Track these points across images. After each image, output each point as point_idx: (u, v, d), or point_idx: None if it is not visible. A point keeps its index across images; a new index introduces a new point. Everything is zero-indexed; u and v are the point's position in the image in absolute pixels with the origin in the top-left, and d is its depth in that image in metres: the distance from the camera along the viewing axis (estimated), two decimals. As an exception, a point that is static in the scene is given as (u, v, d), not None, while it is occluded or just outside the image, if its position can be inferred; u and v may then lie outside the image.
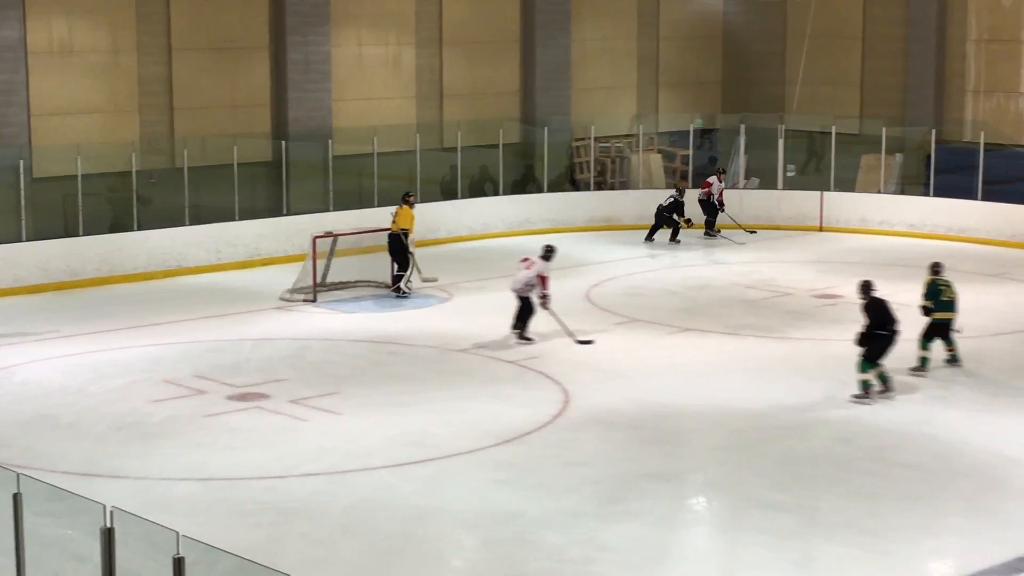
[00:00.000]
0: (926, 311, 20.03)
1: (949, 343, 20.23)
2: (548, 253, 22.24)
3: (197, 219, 28.11)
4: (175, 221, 27.80)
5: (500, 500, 15.03)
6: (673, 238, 30.61)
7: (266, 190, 30.45)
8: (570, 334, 21.81)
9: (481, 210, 31.66)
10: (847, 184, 33.89)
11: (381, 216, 27.87)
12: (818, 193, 32.82)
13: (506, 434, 17.26)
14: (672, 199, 30.49)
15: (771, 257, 27.95)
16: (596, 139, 34.46)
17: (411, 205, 25.55)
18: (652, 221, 30.99)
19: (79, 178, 26.65)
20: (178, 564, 9.31)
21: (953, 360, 20.26)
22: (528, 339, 21.83)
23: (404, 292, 25.00)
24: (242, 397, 18.83)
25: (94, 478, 15.57)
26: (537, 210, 32.41)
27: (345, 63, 32.82)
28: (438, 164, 32.57)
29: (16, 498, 10.73)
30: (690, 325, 23.03)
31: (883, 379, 18.70)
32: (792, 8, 39.11)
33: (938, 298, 20.01)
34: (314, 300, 24.76)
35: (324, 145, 30.26)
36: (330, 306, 24.37)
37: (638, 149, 35.06)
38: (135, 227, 27.35)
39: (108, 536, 9.97)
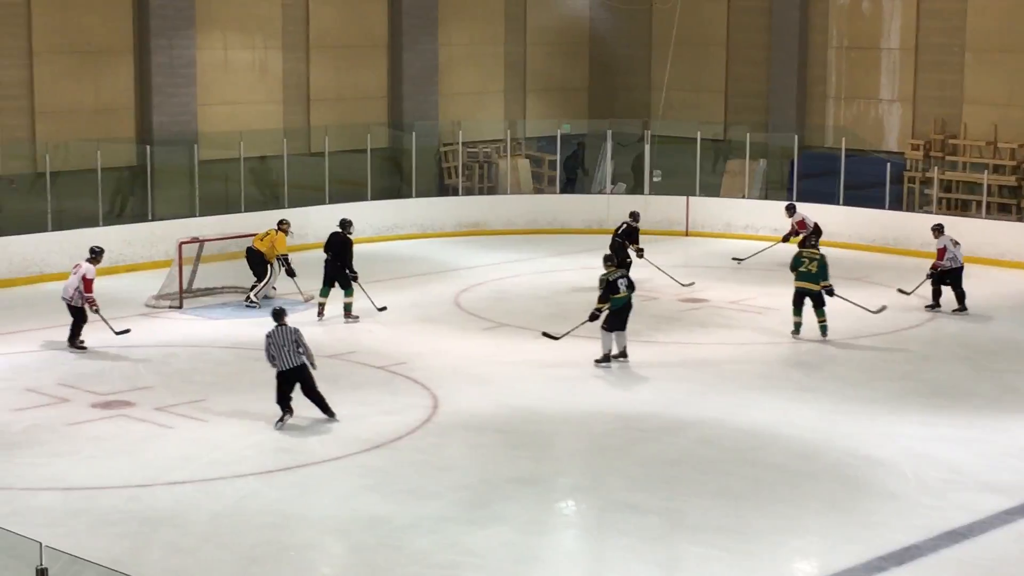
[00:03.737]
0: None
1: (819, 314, 22.38)
2: (95, 256, 22.14)
3: (60, 225, 27.70)
4: (37, 227, 27.37)
5: (367, 506, 15.04)
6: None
7: (131, 195, 30.13)
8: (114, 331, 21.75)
9: (350, 215, 31.50)
10: (712, 189, 34.35)
11: (248, 222, 27.73)
12: (684, 198, 33.22)
13: (374, 440, 17.26)
14: (625, 225, 27.22)
15: (638, 261, 28.13)
16: (464, 144, 34.55)
17: (286, 232, 25.29)
18: (516, 226, 31.02)
19: (-64, 182, 26.20)
20: (42, 575, 9.22)
21: (823, 330, 22.31)
22: (83, 347, 21.63)
23: (254, 303, 24.72)
24: (106, 405, 18.62)
25: (-47, 489, 15.30)
26: (406, 215, 32.42)
27: (211, 67, 32.56)
28: (305, 168, 32.43)
29: None
30: (557, 330, 23.19)
31: None
32: (658, 15, 39.57)
33: (798, 268, 22.50)
34: (180, 306, 24.54)
35: (190, 150, 30.00)
36: (196, 312, 24.18)
37: (506, 154, 35.21)
38: (-5, 232, 26.93)
39: (-32, 548, 9.85)
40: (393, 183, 34.06)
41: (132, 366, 20.79)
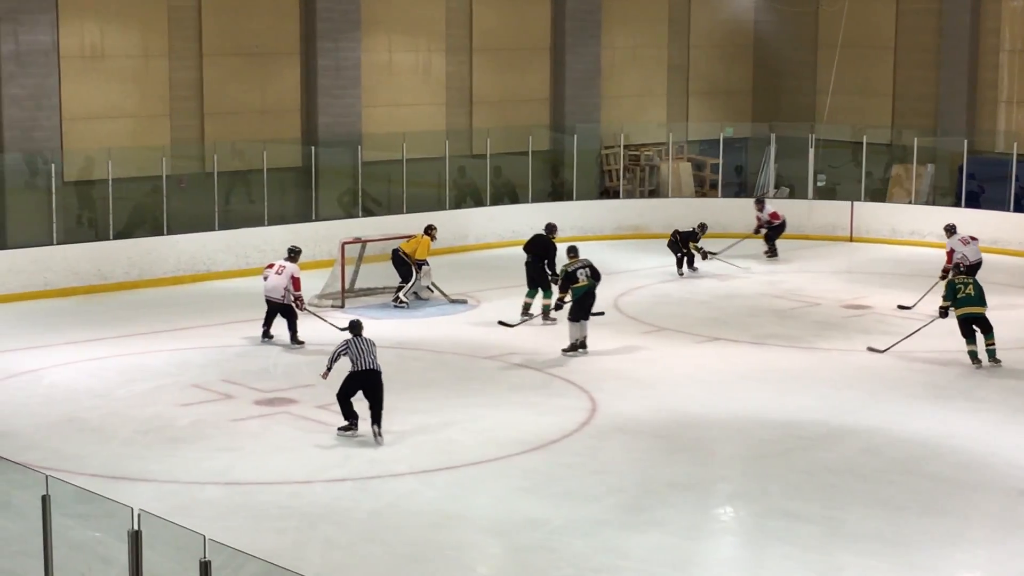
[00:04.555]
0: (944, 311, 21.20)
1: (989, 337, 20.95)
2: (294, 255, 22.38)
3: (226, 224, 28.21)
4: (204, 226, 27.92)
5: (524, 508, 15.03)
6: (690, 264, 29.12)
7: (295, 195, 30.58)
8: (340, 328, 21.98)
9: (510, 217, 31.67)
10: (878, 194, 33.79)
11: (409, 222, 27.98)
12: (848, 203, 32.74)
13: (531, 442, 17.27)
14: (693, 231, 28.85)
15: (800, 267, 27.88)
16: (625, 147, 34.46)
17: (433, 238, 25.46)
18: (680, 228, 30.83)
19: (109, 182, 26.79)
20: (205, 568, 9.36)
21: (991, 355, 20.92)
22: (302, 343, 21.94)
23: (403, 303, 24.92)
24: (269, 402, 18.89)
25: (121, 481, 15.64)
26: (566, 218, 32.36)
27: (375, 69, 32.88)
28: (467, 170, 32.63)
29: (44, 500, 10.80)
30: (717, 334, 22.99)
31: None
32: (824, 17, 39.01)
33: (955, 296, 20.93)
34: (342, 306, 24.81)
35: (353, 151, 30.34)
36: (358, 312, 24.40)
37: (667, 157, 35.03)
38: (164, 231, 27.46)
39: (135, 539, 10.02)
40: (553, 185, 34.08)
41: (295, 364, 21.07)
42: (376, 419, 17.18)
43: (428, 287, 25.51)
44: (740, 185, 35.75)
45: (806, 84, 39.30)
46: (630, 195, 34.50)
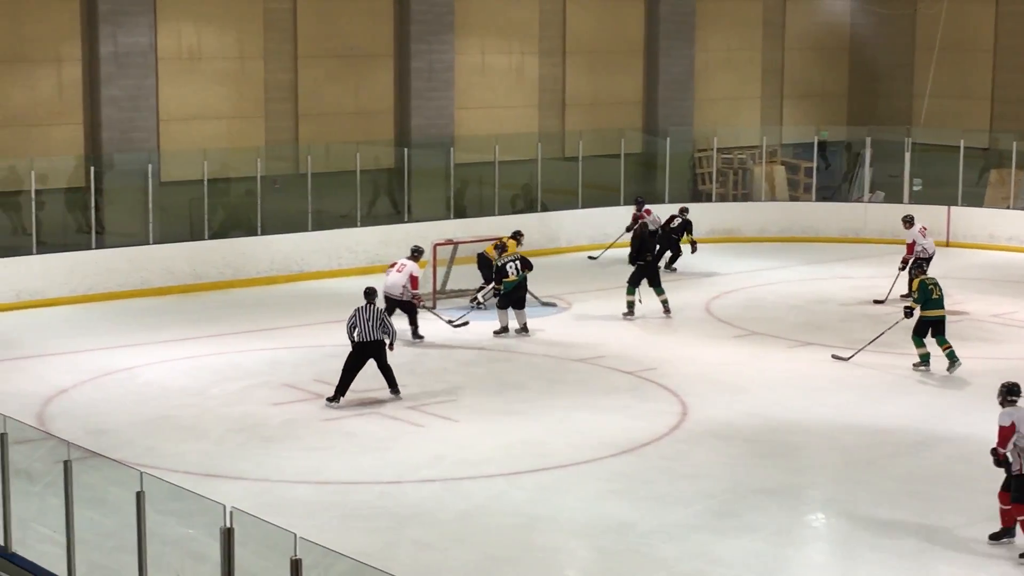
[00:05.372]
0: (910, 311, 21.11)
1: (942, 342, 20.74)
2: (417, 254, 23.01)
3: (319, 225, 28.41)
4: (298, 226, 28.14)
5: (613, 511, 14.99)
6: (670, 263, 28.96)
7: (388, 196, 30.73)
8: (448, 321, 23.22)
9: (602, 219, 31.60)
10: (975, 199, 33.36)
11: (501, 224, 28.00)
12: (945, 208, 32.34)
13: (621, 445, 17.22)
14: (679, 219, 28.82)
15: (895, 272, 27.51)
16: (719, 150, 34.28)
17: (519, 243, 25.46)
18: (770, 234, 30.71)
19: (205, 182, 27.07)
20: (295, 566, 9.41)
21: (951, 358, 20.71)
22: (421, 337, 22.58)
23: (481, 304, 24.96)
24: (360, 402, 18.97)
25: (214, 479, 15.78)
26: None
27: (468, 71, 32.98)
28: (559, 173, 32.60)
29: (139, 496, 10.92)
30: (810, 339, 22.80)
31: None
32: (921, 19, 38.59)
33: (928, 297, 20.73)
34: (433, 307, 24.88)
35: (446, 153, 30.44)
36: (449, 313, 24.47)
37: (761, 161, 34.81)
38: (258, 232, 27.70)
39: (228, 536, 10.10)
40: (646, 188, 33.96)
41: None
42: (392, 385, 18.87)
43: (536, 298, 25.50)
44: (834, 189, 35.43)
45: (903, 87, 38.90)
46: (722, 198, 34.32)
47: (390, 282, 22.62)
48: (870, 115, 38.59)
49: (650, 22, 35.85)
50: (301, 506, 15.05)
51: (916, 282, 21.23)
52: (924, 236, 25.58)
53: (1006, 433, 13.86)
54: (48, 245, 26.00)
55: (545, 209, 31.54)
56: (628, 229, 28.42)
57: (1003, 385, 14.27)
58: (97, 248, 26.10)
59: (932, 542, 14.14)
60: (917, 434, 17.80)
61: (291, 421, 18.15)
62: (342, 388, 18.63)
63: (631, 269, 24.44)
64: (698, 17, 36.33)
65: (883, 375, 20.66)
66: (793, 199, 34.97)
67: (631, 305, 24.29)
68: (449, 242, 26.16)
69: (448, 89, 32.30)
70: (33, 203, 25.43)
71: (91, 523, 12.00)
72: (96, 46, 27.84)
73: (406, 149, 30.34)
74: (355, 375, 18.68)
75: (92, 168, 26.35)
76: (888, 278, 26.47)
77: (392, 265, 22.97)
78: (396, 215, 30.06)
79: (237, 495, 14.62)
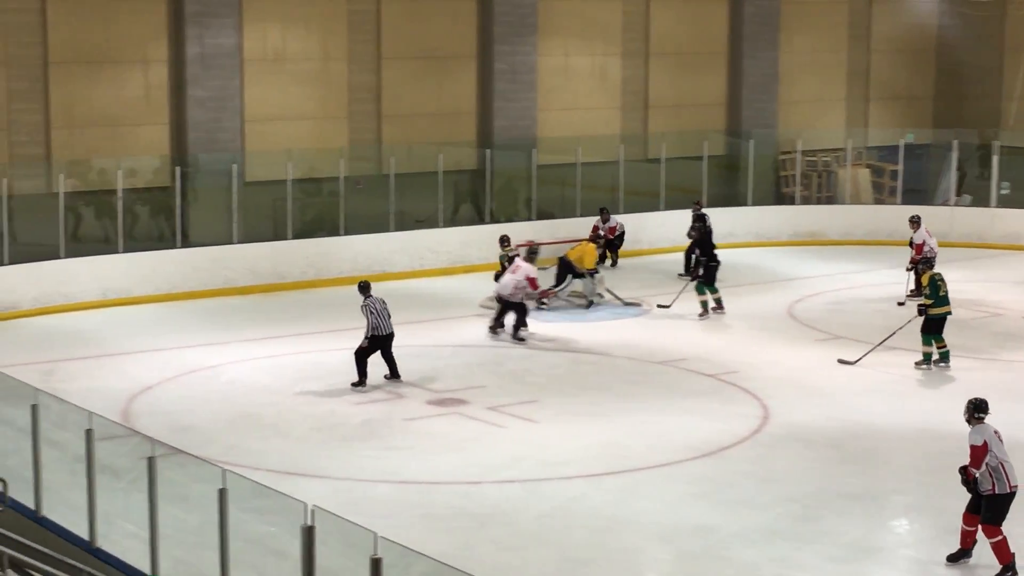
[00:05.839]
0: (924, 309, 20.94)
1: (939, 339, 20.91)
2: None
3: (401, 225, 28.51)
4: (380, 227, 28.25)
5: (694, 514, 14.92)
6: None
7: (472, 203, 30.79)
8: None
9: (684, 222, 31.45)
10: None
11: (583, 226, 27.97)
12: (1033, 211, 31.91)
13: (702, 448, 17.13)
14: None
15: (981, 276, 27.23)
16: (803, 153, 34.02)
17: (599, 246, 25.78)
18: (855, 237, 30.44)
19: (289, 183, 27.24)
20: (376, 565, 9.44)
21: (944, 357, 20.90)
22: (523, 339, 22.59)
23: (543, 304, 24.96)
24: (441, 402, 19.03)
25: (295, 477, 15.87)
26: (742, 223, 32.11)
27: (551, 73, 32.96)
28: (641, 175, 32.48)
29: (222, 494, 11.02)
30: (892, 344, 22.56)
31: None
32: (1011, 20, 38.08)
33: (939, 294, 20.75)
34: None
35: (528, 154, 30.43)
36: (529, 315, 24.47)
37: (846, 163, 34.52)
38: (341, 232, 27.84)
39: (309, 534, 10.17)
40: (729, 190, 33.78)
41: (466, 365, 21.20)
42: (395, 372, 19.81)
43: (600, 294, 25.46)
44: (921, 192, 35.03)
45: (991, 89, 38.40)
46: (807, 201, 34.06)
47: (502, 283, 22.94)
48: (957, 118, 38.13)
49: (734, 23, 35.66)
50: (381, 505, 15.10)
51: (926, 277, 21.17)
52: (931, 236, 25.69)
53: (979, 453, 13.32)
54: (134, 244, 26.29)
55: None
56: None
57: (970, 402, 13.66)
58: (182, 247, 26.35)
59: (1017, 549, 13.92)
60: (1005, 442, 17.50)
61: (371, 420, 18.24)
62: (364, 373, 19.62)
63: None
64: (782, 18, 36.09)
65: (969, 381, 20.38)
66: (878, 202, 34.65)
67: (705, 305, 24.31)
68: (530, 243, 26.14)
69: (531, 91, 32.31)
70: (120, 202, 25.71)
71: (174, 519, 12.11)
72: (182, 48, 28.11)
73: (488, 151, 30.38)
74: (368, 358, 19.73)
75: (178, 168, 26.60)
76: (977, 283, 26.17)
77: (510, 261, 23.50)
78: (477, 217, 30.11)
79: (318, 493, 14.70)
